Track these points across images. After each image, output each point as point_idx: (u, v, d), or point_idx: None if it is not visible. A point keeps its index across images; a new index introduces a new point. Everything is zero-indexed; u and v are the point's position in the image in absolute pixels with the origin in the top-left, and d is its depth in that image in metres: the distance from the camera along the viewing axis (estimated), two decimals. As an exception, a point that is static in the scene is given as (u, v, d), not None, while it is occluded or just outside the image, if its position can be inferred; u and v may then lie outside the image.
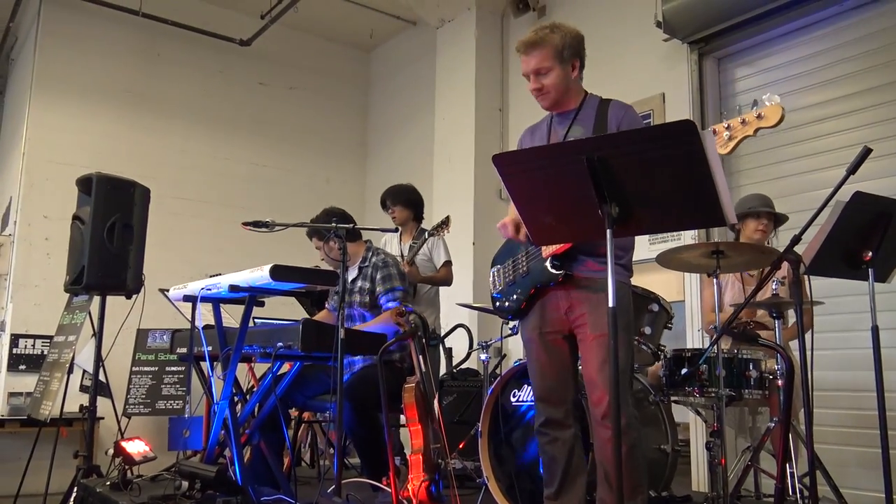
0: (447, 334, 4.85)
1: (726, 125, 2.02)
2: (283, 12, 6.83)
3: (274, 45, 7.51)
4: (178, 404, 6.03)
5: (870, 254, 2.67)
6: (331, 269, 3.77)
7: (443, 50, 6.86)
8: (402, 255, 4.56)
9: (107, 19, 6.72)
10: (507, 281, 2.71)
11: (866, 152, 2.40)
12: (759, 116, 1.95)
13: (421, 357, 2.81)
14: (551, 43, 2.54)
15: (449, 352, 5.08)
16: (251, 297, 2.91)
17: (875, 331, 2.65)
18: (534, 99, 2.75)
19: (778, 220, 3.75)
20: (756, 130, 1.97)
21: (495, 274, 2.80)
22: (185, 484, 2.85)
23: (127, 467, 3.52)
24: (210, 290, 2.93)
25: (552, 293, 2.55)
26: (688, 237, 4.67)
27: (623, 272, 2.53)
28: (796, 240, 2.45)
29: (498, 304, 2.75)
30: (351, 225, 3.02)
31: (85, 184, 4.01)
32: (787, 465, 2.63)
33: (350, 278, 3.72)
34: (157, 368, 6.19)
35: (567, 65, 2.57)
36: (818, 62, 4.59)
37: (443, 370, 4.84)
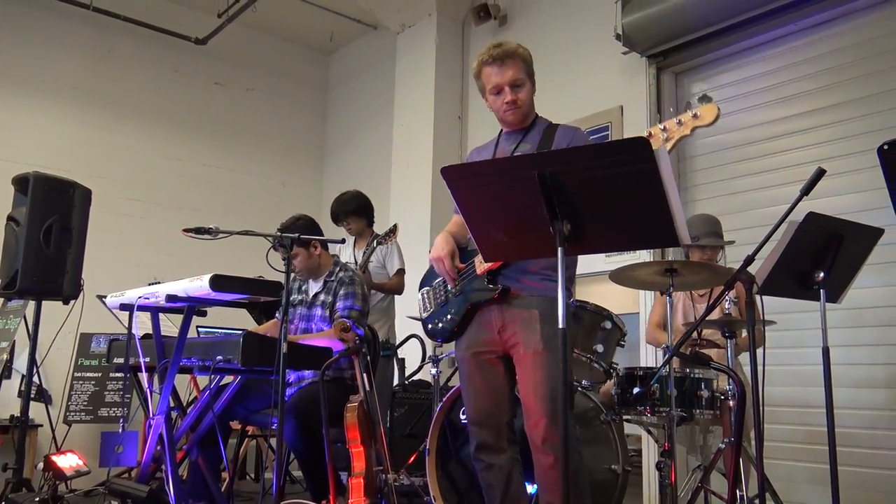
0: (400, 345, 4.76)
1: (662, 126, 2.03)
2: (240, 11, 6.67)
3: (231, 45, 7.35)
4: (122, 412, 5.83)
5: (822, 274, 2.66)
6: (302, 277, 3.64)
7: (403, 55, 6.79)
8: (355, 262, 4.46)
9: (55, 12, 6.49)
10: (439, 302, 2.63)
11: (820, 173, 2.38)
12: (695, 116, 1.95)
13: (366, 376, 2.71)
14: (523, 57, 2.53)
15: (402, 363, 4.99)
16: (190, 307, 2.78)
17: (826, 352, 2.64)
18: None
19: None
20: (693, 129, 1.97)
21: (425, 295, 2.71)
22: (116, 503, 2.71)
23: (57, 482, 3.36)
24: (147, 298, 2.80)
25: (486, 311, 2.48)
26: (644, 253, 4.66)
27: (555, 288, 2.45)
28: (750, 260, 2.42)
29: (430, 326, 2.66)
30: (297, 235, 2.90)
31: (21, 183, 3.83)
32: (738, 490, 2.60)
33: (312, 291, 3.59)
34: (100, 374, 5.97)
35: (531, 82, 2.57)
36: (773, 80, 4.62)
37: (395, 381, 4.76)
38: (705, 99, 1.93)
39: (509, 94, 2.50)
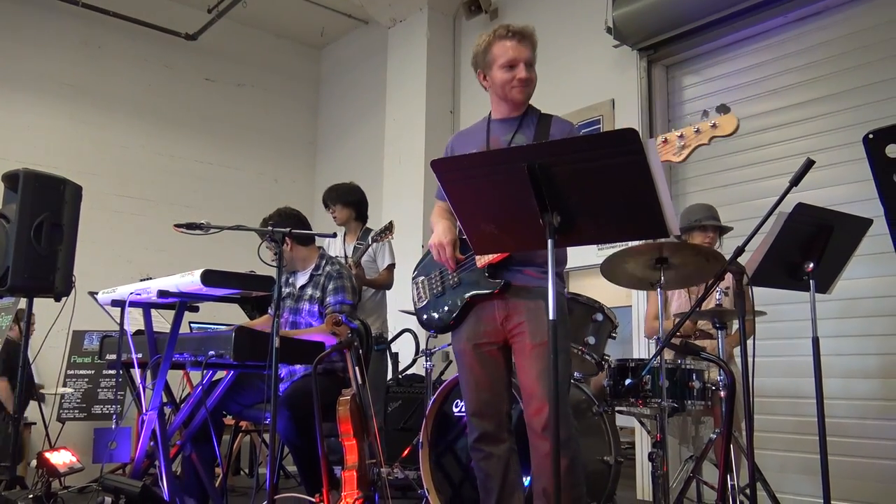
0: (393, 339, 4.76)
1: (679, 134, 2.00)
2: (230, 6, 6.67)
3: (222, 41, 7.33)
4: (115, 408, 5.83)
5: (811, 265, 2.67)
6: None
7: (394, 50, 6.79)
8: (345, 256, 4.47)
9: (45, 8, 6.47)
10: (435, 293, 2.60)
11: (809, 164, 2.39)
12: (713, 126, 1.94)
13: (358, 369, 2.71)
14: (534, 44, 2.52)
15: (395, 357, 5.00)
16: (181, 302, 2.78)
17: (815, 342, 2.66)
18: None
19: (723, 229, 3.77)
20: (711, 139, 1.97)
21: (420, 285, 2.67)
22: (109, 500, 2.71)
23: (51, 479, 3.36)
24: (139, 294, 2.80)
25: (487, 303, 2.46)
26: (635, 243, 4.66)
27: (558, 282, 2.46)
28: (740, 251, 2.44)
29: (425, 317, 2.62)
30: (288, 229, 2.90)
31: (11, 180, 3.80)
32: (729, 478, 2.62)
33: (299, 284, 3.58)
34: (93, 372, 5.97)
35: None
36: (762, 72, 4.64)
37: (389, 375, 4.77)
38: (724, 109, 1.91)
39: (524, 72, 2.47)
